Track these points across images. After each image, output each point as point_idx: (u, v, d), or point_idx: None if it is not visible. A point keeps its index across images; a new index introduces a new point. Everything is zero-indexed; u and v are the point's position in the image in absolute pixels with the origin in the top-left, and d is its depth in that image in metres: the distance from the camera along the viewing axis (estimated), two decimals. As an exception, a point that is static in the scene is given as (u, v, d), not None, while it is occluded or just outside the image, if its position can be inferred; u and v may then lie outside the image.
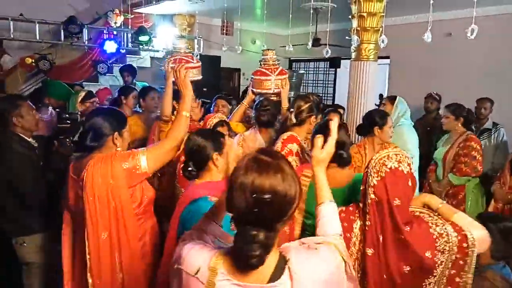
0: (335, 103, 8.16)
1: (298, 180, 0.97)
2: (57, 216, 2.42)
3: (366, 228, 1.43)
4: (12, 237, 2.38)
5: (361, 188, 1.48)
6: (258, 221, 0.91)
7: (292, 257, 0.98)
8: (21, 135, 2.38)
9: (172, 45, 3.15)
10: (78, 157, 1.88)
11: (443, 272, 1.41)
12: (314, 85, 9.30)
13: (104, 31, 6.42)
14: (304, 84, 9.58)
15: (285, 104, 2.92)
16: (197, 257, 1.00)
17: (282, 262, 0.98)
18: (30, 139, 2.44)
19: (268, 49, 3.01)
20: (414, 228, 1.39)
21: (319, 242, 1.10)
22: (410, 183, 1.40)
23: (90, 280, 1.70)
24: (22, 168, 2.30)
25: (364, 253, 1.43)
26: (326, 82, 9.02)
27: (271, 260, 0.97)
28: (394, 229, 1.38)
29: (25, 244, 2.37)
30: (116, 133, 1.81)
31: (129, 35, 6.72)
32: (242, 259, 0.93)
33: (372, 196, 1.41)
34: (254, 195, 0.90)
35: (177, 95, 2.97)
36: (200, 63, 2.96)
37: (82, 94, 3.60)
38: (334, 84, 8.82)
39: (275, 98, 2.95)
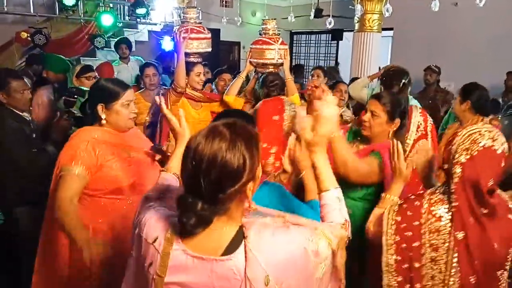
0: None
1: (253, 155, 0.91)
2: None
3: (453, 209, 1.31)
4: (12, 208, 2.42)
5: (443, 167, 1.36)
6: (198, 190, 0.88)
7: (251, 234, 0.94)
8: (12, 109, 2.38)
9: (182, 15, 3.01)
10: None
11: None
12: (315, 58, 9.15)
13: (100, 4, 6.25)
14: (306, 58, 9.44)
15: (288, 75, 2.86)
16: (156, 227, 1.01)
17: (240, 237, 0.95)
18: (23, 113, 2.44)
19: (269, 19, 2.91)
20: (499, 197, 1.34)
21: (300, 223, 1.03)
22: (503, 163, 1.28)
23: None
24: (16, 141, 2.30)
25: (450, 236, 1.30)
26: (328, 55, 8.86)
27: (228, 233, 0.95)
28: (482, 207, 1.29)
29: (24, 215, 2.41)
30: (100, 106, 1.74)
31: (126, 8, 6.54)
32: (182, 225, 0.93)
33: (460, 174, 1.29)
34: (193, 162, 0.88)
35: (188, 67, 2.92)
36: (210, 34, 2.89)
37: (78, 67, 3.37)
38: (336, 57, 8.67)
39: (274, 70, 2.87)
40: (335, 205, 1.16)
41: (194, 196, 0.90)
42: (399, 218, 1.36)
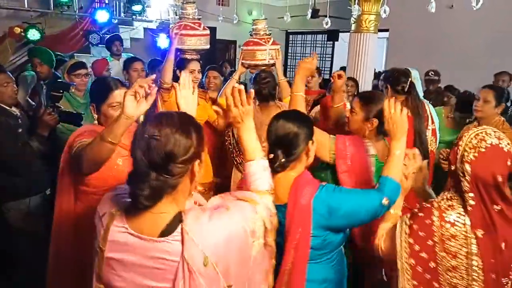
0: (332, 77, 8.07)
1: (199, 138, 1.01)
2: (46, 182, 2.50)
3: (470, 208, 1.29)
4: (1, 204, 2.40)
5: (451, 168, 1.36)
6: (151, 162, 0.95)
7: (188, 218, 0.99)
8: (1, 104, 2.37)
9: (180, 11, 2.97)
10: None
11: None
12: (311, 58, 9.16)
13: (96, 0, 6.20)
14: (302, 58, 9.44)
15: (281, 76, 2.84)
16: (106, 203, 1.08)
17: (177, 221, 0.99)
18: (11, 108, 2.42)
19: (259, 19, 2.87)
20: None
21: (240, 198, 1.11)
22: (509, 162, 1.29)
23: None
24: (1, 136, 2.28)
25: (472, 235, 1.28)
26: (324, 55, 8.88)
27: (167, 215, 1.00)
28: (494, 203, 1.28)
29: (12, 210, 2.40)
30: (92, 106, 1.74)
31: (122, 4, 6.50)
32: (133, 199, 0.97)
33: (470, 172, 1.29)
34: (148, 137, 0.96)
35: (181, 64, 2.91)
36: (208, 31, 2.86)
37: (70, 63, 3.13)
38: (332, 58, 8.69)
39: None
40: (261, 173, 1.23)
41: (148, 168, 0.95)
42: (411, 240, 1.33)
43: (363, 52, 4.27)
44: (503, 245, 1.27)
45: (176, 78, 2.66)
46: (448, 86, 4.37)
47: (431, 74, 4.62)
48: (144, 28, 7.03)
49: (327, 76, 8.46)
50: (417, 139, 2.44)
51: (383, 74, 2.79)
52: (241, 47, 2.89)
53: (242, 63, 2.84)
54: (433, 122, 2.59)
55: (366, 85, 4.43)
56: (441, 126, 2.90)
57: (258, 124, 2.40)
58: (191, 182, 1.04)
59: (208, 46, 2.89)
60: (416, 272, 1.32)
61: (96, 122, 1.75)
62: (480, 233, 1.27)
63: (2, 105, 2.39)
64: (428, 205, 1.37)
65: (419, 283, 1.32)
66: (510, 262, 1.31)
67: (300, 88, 2.00)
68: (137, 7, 6.07)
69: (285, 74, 10.03)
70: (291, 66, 9.70)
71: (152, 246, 0.98)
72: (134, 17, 6.40)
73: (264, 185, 1.22)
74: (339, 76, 2.37)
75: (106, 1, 6.36)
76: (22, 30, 5.28)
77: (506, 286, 1.31)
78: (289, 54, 9.71)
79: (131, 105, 1.32)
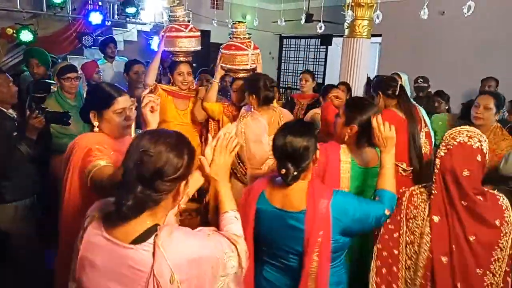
0: (326, 81, 8.12)
1: (190, 161, 1.06)
2: (35, 187, 2.48)
3: (432, 196, 1.52)
4: None
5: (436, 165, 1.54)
6: (140, 176, 0.99)
7: (162, 232, 1.01)
8: None
9: (170, 14, 2.95)
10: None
11: (507, 250, 1.49)
12: (304, 62, 9.20)
13: (89, 2, 6.17)
14: (295, 62, 9.49)
15: None
16: (96, 206, 1.14)
17: (152, 231, 1.02)
18: (8, 110, 2.38)
19: (239, 22, 2.82)
20: (487, 198, 1.50)
21: (223, 234, 1.17)
22: (479, 158, 1.46)
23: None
24: None
25: (429, 219, 1.52)
26: (317, 60, 8.92)
27: (141, 225, 1.03)
28: (461, 198, 1.48)
29: (4, 214, 2.36)
30: (93, 113, 1.67)
31: (115, 7, 6.48)
32: (116, 207, 0.99)
33: (438, 166, 1.51)
34: (140, 149, 1.00)
35: (172, 66, 2.91)
36: (197, 33, 2.86)
37: (60, 66, 3.08)
38: (325, 62, 8.73)
39: (245, 74, 2.79)
40: (235, 222, 1.29)
41: (136, 180, 0.99)
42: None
43: (356, 57, 4.31)
44: (472, 238, 1.47)
45: (167, 81, 2.67)
46: (438, 91, 4.42)
47: (420, 81, 4.68)
48: (138, 31, 7.00)
49: (320, 80, 8.51)
50: (411, 142, 2.48)
51: (373, 82, 2.83)
52: (221, 50, 2.79)
53: (222, 67, 2.78)
54: (426, 125, 2.62)
55: (358, 89, 4.47)
56: (444, 132, 2.91)
57: (253, 136, 2.40)
58: (174, 200, 1.08)
59: (198, 48, 2.88)
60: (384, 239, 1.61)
61: (96, 129, 1.68)
62: (436, 218, 1.50)
63: (1, 108, 2.34)
64: (406, 189, 1.63)
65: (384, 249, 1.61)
66: (488, 252, 1.48)
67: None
68: (131, 10, 6.06)
69: (278, 79, 10.04)
70: (285, 70, 9.73)
71: (123, 252, 1.01)
72: (128, 19, 6.38)
73: (238, 231, 1.27)
74: (336, 97, 2.43)
75: (100, 3, 6.32)
76: (14, 31, 5.24)
77: (485, 277, 1.49)
78: (283, 58, 9.74)
79: (153, 120, 1.52)
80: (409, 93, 2.95)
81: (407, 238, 1.56)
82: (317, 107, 3.51)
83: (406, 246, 1.55)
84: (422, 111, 2.66)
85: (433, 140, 2.73)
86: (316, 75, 8.66)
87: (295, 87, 8.51)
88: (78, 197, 1.61)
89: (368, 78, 5.37)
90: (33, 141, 2.31)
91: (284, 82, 9.53)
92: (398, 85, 2.56)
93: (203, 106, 2.77)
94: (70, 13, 5.94)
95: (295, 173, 1.43)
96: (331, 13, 5.51)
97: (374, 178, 1.83)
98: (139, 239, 1.01)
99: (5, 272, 2.44)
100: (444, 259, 1.50)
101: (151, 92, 2.75)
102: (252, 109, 2.53)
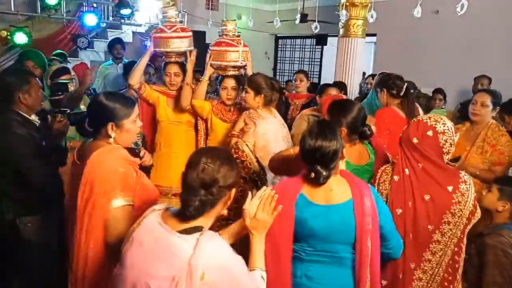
0: (321, 81, 8.14)
1: (238, 174, 1.29)
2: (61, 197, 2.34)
3: (395, 161, 1.82)
4: (15, 218, 2.25)
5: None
6: (201, 183, 1.21)
7: (206, 233, 1.19)
8: (23, 113, 2.21)
9: (161, 15, 2.94)
10: (84, 142, 1.75)
11: (460, 219, 1.72)
12: (300, 62, 9.23)
13: (84, 3, 6.16)
14: (291, 62, 9.52)
15: None
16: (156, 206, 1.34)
17: (198, 229, 1.20)
18: (32, 117, 2.27)
19: (229, 20, 2.81)
20: (445, 168, 1.74)
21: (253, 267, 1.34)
22: (430, 133, 1.71)
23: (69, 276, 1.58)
24: (24, 148, 2.12)
25: (391, 180, 1.79)
26: (313, 59, 8.96)
27: (193, 222, 1.21)
28: (418, 161, 1.73)
29: (29, 225, 2.24)
30: (111, 124, 1.60)
31: (110, 8, 6.47)
32: (183, 207, 1.20)
33: (401, 138, 1.82)
34: (202, 162, 1.22)
35: (164, 67, 2.91)
36: (190, 33, 2.85)
37: (53, 68, 3.03)
38: (321, 62, 8.77)
39: (235, 72, 2.77)
40: (259, 282, 1.34)
41: (199, 186, 1.20)
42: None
43: (351, 57, 4.34)
44: (427, 197, 1.72)
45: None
46: (437, 89, 4.45)
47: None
48: (133, 32, 7.00)
49: (316, 80, 8.54)
50: None
51: (377, 78, 2.81)
52: (210, 48, 2.77)
53: (212, 64, 2.75)
54: None
55: (354, 89, 4.50)
56: None
57: (272, 136, 2.41)
58: (224, 205, 1.29)
59: (191, 48, 2.87)
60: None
61: (111, 140, 1.61)
62: (396, 177, 1.78)
63: (26, 115, 2.21)
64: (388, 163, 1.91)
65: None
66: (440, 213, 1.72)
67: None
68: (125, 11, 6.04)
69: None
70: (280, 70, 9.76)
71: (169, 237, 1.18)
72: (122, 21, 6.37)
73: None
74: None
75: (95, 5, 6.32)
76: (8, 33, 5.22)
77: (433, 234, 1.73)
78: (278, 58, 9.77)
79: None
80: None
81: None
82: (311, 106, 3.52)
83: None
84: (421, 112, 2.69)
85: None
86: (311, 75, 8.76)
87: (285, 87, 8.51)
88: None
89: (364, 73, 5.40)
90: (63, 147, 2.21)
91: (281, 83, 9.56)
92: (405, 86, 2.58)
93: (191, 103, 2.77)
94: (65, 15, 5.92)
95: (325, 173, 1.48)
96: (325, 13, 5.53)
97: (366, 175, 1.95)
98: (185, 232, 1.18)
99: (21, 284, 2.36)
100: (399, 211, 1.74)
101: (137, 92, 2.75)
102: (259, 110, 2.51)
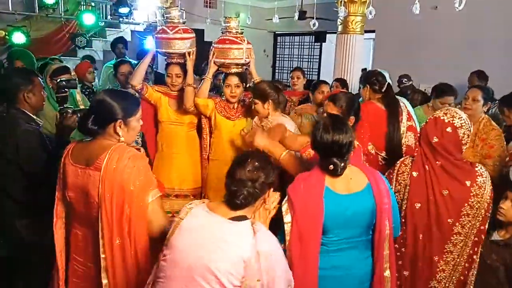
0: (321, 78, 8.13)
1: (274, 175, 1.46)
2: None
3: (414, 158, 1.94)
4: (16, 219, 2.23)
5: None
6: (248, 177, 1.38)
7: (259, 222, 1.42)
8: (27, 112, 2.22)
9: (165, 15, 2.93)
10: (79, 141, 1.71)
11: (479, 210, 1.83)
12: (299, 60, 9.22)
13: (82, 2, 6.15)
14: (290, 59, 9.50)
15: (255, 75, 2.81)
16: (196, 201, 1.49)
17: (244, 218, 1.37)
18: (35, 116, 2.28)
19: (231, 17, 2.80)
20: (463, 164, 1.86)
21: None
22: (449, 130, 1.81)
23: (105, 281, 1.57)
24: (33, 148, 2.13)
25: (410, 174, 1.91)
26: (312, 57, 8.94)
27: (239, 211, 1.38)
28: (436, 159, 1.84)
29: (31, 226, 2.24)
30: (120, 121, 1.60)
31: (108, 7, 6.46)
32: (232, 197, 1.36)
33: (419, 135, 1.97)
34: (248, 167, 1.40)
35: (166, 68, 2.90)
36: (193, 35, 2.83)
37: (53, 67, 3.00)
38: (320, 59, 8.75)
39: (238, 70, 2.76)
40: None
41: (247, 180, 1.38)
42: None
43: (350, 53, 4.33)
44: (445, 192, 1.83)
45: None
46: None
47: (405, 81, 4.74)
48: (131, 31, 6.99)
49: (315, 77, 8.53)
50: (390, 132, 2.58)
51: (361, 75, 3.02)
52: (213, 45, 2.75)
53: (215, 62, 2.73)
54: (411, 119, 2.73)
55: (353, 85, 4.49)
56: None
57: (292, 129, 2.43)
58: (264, 202, 1.47)
59: (193, 49, 2.85)
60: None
61: (122, 139, 1.61)
62: (415, 174, 1.89)
63: (30, 114, 2.22)
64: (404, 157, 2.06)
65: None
66: (459, 206, 1.83)
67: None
68: (124, 10, 6.03)
69: (273, 76, 10.02)
70: (280, 68, 9.75)
71: (221, 224, 1.35)
72: (121, 19, 6.36)
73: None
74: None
75: (93, 4, 6.30)
76: (6, 33, 5.21)
77: (454, 227, 1.85)
78: (277, 56, 9.76)
79: None
80: None
81: (397, 188, 1.95)
82: (308, 103, 3.54)
83: (395, 194, 1.89)
84: (408, 106, 2.77)
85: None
86: (311, 72, 8.75)
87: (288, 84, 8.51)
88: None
89: (365, 69, 5.40)
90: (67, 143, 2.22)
91: (280, 80, 9.55)
92: (386, 83, 2.73)
93: (195, 102, 2.75)
94: (63, 14, 5.91)
95: (342, 164, 1.58)
96: (324, 10, 5.52)
97: None
98: (236, 219, 1.36)
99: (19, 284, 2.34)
100: (418, 205, 1.87)
101: (139, 92, 2.74)
102: (269, 117, 2.56)
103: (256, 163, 1.40)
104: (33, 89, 2.22)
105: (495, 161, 2.65)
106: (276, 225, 1.62)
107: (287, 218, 1.61)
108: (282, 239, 1.60)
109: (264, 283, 1.31)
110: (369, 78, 2.79)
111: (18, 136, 2.12)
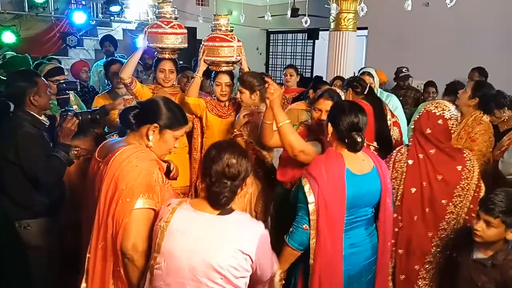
0: (314, 75, 8.14)
1: (249, 161, 1.46)
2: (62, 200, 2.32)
3: (408, 147, 2.15)
4: (15, 221, 2.22)
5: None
6: (227, 176, 1.39)
7: (246, 216, 1.47)
8: (33, 114, 2.21)
9: (157, 10, 2.90)
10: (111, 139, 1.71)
11: (468, 191, 2.06)
12: (292, 57, 9.21)
13: (72, 1, 6.08)
14: (283, 57, 9.49)
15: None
16: (171, 200, 1.48)
17: (231, 210, 1.43)
18: (42, 117, 2.26)
19: (221, 15, 2.76)
20: (453, 151, 2.09)
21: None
22: (440, 122, 2.03)
23: (83, 285, 1.52)
24: (33, 149, 2.11)
25: (406, 162, 2.11)
26: (305, 54, 8.94)
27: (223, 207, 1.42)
28: (429, 148, 2.06)
29: (29, 228, 2.22)
30: (156, 126, 1.56)
31: (99, 5, 6.40)
32: (216, 198, 1.38)
33: (412, 127, 2.15)
34: (225, 159, 1.40)
35: (156, 63, 2.87)
36: (185, 30, 2.81)
37: (47, 67, 2.96)
38: (313, 56, 8.75)
39: (228, 68, 2.72)
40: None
41: (227, 178, 1.38)
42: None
43: (343, 50, 4.34)
44: (439, 177, 2.05)
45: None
46: (429, 81, 4.47)
47: (404, 70, 4.75)
48: (123, 29, 6.93)
49: (308, 74, 8.53)
50: (377, 124, 2.60)
51: (346, 80, 3.14)
52: (203, 43, 2.71)
53: (205, 60, 2.69)
54: (393, 116, 2.92)
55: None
56: None
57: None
58: (241, 189, 1.47)
59: (185, 45, 2.82)
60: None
61: (151, 144, 1.57)
62: (411, 161, 2.10)
63: (37, 116, 2.21)
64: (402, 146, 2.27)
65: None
66: (452, 188, 2.06)
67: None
68: (115, 8, 5.98)
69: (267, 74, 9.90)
70: (273, 66, 9.73)
71: (214, 220, 1.37)
72: (112, 18, 6.32)
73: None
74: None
75: (83, 2, 6.24)
76: (-5, 32, 5.14)
77: (447, 207, 2.07)
78: (270, 53, 9.74)
79: None
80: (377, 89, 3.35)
81: (393, 175, 2.13)
82: (301, 100, 3.54)
83: (392, 180, 2.09)
84: (396, 103, 3.00)
85: (403, 128, 3.08)
86: (304, 70, 8.75)
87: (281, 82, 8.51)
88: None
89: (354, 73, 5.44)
90: (70, 147, 2.19)
91: (274, 78, 9.53)
92: (368, 86, 2.88)
93: (185, 101, 2.70)
94: (53, 13, 5.84)
95: (360, 140, 1.77)
96: (316, 7, 5.52)
97: None
98: (224, 213, 1.40)
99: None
100: (413, 189, 2.09)
101: (127, 86, 2.72)
102: (257, 107, 2.56)
103: (234, 160, 1.39)
104: (38, 91, 2.20)
105: (476, 155, 2.54)
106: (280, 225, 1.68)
107: (310, 198, 1.69)
108: (301, 220, 1.73)
109: (257, 266, 1.40)
110: (351, 82, 2.92)
111: (18, 138, 2.11)
